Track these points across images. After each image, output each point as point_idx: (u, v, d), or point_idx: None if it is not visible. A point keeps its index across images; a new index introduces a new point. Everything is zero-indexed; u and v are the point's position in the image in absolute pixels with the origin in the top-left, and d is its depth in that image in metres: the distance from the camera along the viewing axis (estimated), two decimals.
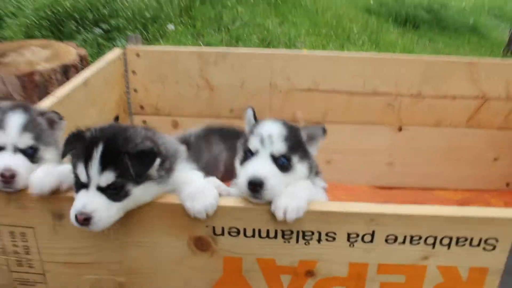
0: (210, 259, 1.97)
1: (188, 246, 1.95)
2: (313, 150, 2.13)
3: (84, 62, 3.99)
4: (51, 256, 2.04)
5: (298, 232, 1.89)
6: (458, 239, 1.88)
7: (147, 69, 3.80)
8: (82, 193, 1.79)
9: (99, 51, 6.67)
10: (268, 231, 1.90)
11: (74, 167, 1.83)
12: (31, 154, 2.03)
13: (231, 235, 1.91)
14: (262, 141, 1.97)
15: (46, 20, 7.06)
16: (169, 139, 2.14)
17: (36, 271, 2.08)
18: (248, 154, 2.01)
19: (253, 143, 1.99)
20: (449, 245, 1.89)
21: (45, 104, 2.62)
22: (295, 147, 2.00)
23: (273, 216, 1.85)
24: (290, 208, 1.83)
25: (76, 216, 1.74)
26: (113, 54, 3.65)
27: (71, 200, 1.85)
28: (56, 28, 7.07)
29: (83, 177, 1.79)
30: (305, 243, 1.91)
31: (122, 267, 2.03)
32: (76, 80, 3.05)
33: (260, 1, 9.50)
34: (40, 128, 2.10)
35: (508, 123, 3.88)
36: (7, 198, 1.93)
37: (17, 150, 2.00)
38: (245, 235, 1.91)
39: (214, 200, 1.84)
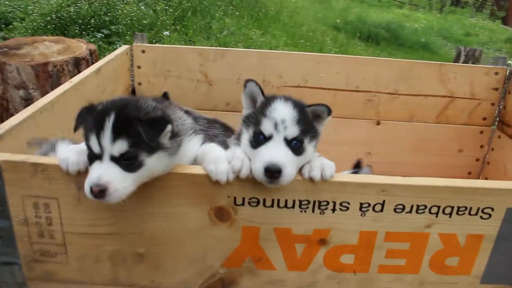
0: (229, 228, 1.82)
1: (209, 216, 1.80)
2: (320, 128, 1.95)
3: (94, 57, 3.80)
4: (73, 227, 1.85)
5: (314, 202, 1.76)
6: (458, 208, 1.79)
7: (151, 64, 3.63)
8: (96, 165, 1.60)
9: (99, 53, 6.43)
10: (286, 201, 1.76)
11: (87, 139, 1.63)
12: None
13: (251, 205, 1.77)
14: (276, 126, 1.77)
15: (51, 24, 6.79)
16: (180, 115, 1.98)
17: (57, 242, 1.88)
18: (260, 137, 1.80)
19: (267, 127, 1.79)
20: (450, 214, 1.80)
21: (62, 88, 2.47)
22: (306, 129, 1.82)
23: (292, 186, 1.73)
24: (326, 165, 1.72)
25: (91, 189, 1.56)
26: (121, 49, 3.48)
27: None
28: (61, 31, 6.80)
29: (95, 148, 1.59)
30: (320, 213, 1.78)
31: (143, 237, 1.86)
32: (90, 69, 2.89)
33: (244, 15, 9.39)
34: None
35: (471, 119, 3.86)
36: (34, 169, 1.74)
37: None
38: (264, 205, 1.77)
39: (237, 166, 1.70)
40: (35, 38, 3.93)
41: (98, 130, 1.57)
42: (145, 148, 1.60)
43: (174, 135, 1.74)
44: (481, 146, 3.91)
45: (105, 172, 1.57)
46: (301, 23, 10.49)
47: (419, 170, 3.97)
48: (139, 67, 3.63)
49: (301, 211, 1.78)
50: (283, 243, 1.85)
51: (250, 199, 1.76)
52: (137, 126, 1.57)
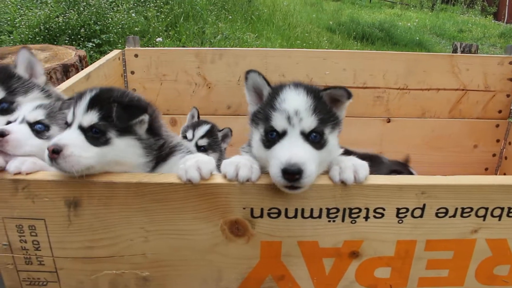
0: (246, 245, 1.57)
1: (222, 231, 1.54)
2: (341, 113, 1.67)
3: (84, 63, 3.55)
4: (64, 251, 1.60)
5: (344, 210, 1.51)
6: (509, 209, 1.55)
7: (145, 69, 3.41)
8: (64, 131, 1.56)
9: (91, 64, 6.20)
10: (311, 210, 1.50)
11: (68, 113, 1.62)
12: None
13: (271, 217, 1.51)
14: (289, 119, 1.51)
15: (40, 36, 6.55)
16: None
17: (47, 269, 1.63)
18: (273, 134, 1.54)
19: (279, 122, 1.53)
20: (500, 216, 1.56)
21: None
22: (325, 117, 1.56)
23: (318, 193, 1.47)
24: (359, 165, 1.46)
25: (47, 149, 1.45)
26: (112, 54, 3.26)
27: (89, 184, 1.48)
28: (50, 43, 6.52)
29: (69, 117, 1.58)
30: (351, 222, 1.53)
31: (147, 259, 1.61)
32: (79, 75, 2.67)
33: (237, 18, 9.20)
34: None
35: (486, 112, 3.65)
36: (15, 187, 1.49)
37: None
38: (286, 216, 1.51)
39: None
40: (20, 47, 3.67)
41: (77, 101, 1.58)
42: (115, 127, 1.54)
43: (154, 133, 1.67)
44: (497, 141, 3.70)
45: (66, 136, 1.51)
46: (295, 25, 10.30)
47: (433, 169, 3.75)
48: (132, 72, 3.40)
49: (329, 221, 1.53)
50: (309, 258, 1.61)
51: (269, 209, 1.50)
52: (113, 105, 1.54)
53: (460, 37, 15.78)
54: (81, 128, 1.52)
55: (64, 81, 3.07)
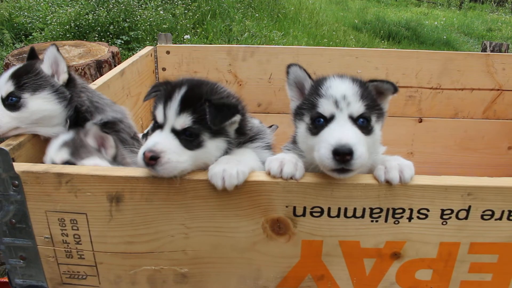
0: (287, 243, 1.55)
1: (263, 229, 1.53)
2: (385, 106, 1.68)
3: (116, 59, 3.59)
4: (105, 246, 1.61)
5: (388, 210, 1.48)
6: None
7: (177, 66, 3.43)
8: (156, 133, 1.51)
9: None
10: (355, 210, 1.49)
11: (154, 108, 1.56)
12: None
13: (313, 216, 1.50)
14: (336, 103, 1.51)
15: (70, 33, 6.67)
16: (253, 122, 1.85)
17: (87, 262, 1.65)
18: (320, 121, 1.53)
19: (326, 107, 1.52)
20: None
21: None
22: (372, 105, 1.56)
23: (362, 192, 1.46)
24: (405, 165, 1.43)
25: (144, 154, 1.43)
26: (145, 50, 3.29)
27: (131, 180, 1.48)
28: (80, 39, 6.66)
29: (160, 117, 1.53)
30: (394, 222, 1.50)
31: (186, 256, 1.61)
32: (114, 71, 2.71)
33: (264, 16, 9.20)
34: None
35: None
36: (58, 181, 1.51)
37: None
38: (329, 215, 1.49)
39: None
40: (54, 43, 3.74)
41: (166, 100, 1.52)
42: (208, 129, 1.51)
43: (241, 132, 1.63)
44: None
45: (162, 141, 1.47)
46: (322, 23, 10.24)
47: (465, 170, 3.69)
48: (164, 69, 3.43)
49: (372, 221, 1.51)
50: (350, 258, 1.59)
51: (312, 208, 1.49)
52: (205, 106, 1.49)
53: (489, 36, 15.41)
54: (174, 131, 1.49)
55: (98, 77, 3.12)
